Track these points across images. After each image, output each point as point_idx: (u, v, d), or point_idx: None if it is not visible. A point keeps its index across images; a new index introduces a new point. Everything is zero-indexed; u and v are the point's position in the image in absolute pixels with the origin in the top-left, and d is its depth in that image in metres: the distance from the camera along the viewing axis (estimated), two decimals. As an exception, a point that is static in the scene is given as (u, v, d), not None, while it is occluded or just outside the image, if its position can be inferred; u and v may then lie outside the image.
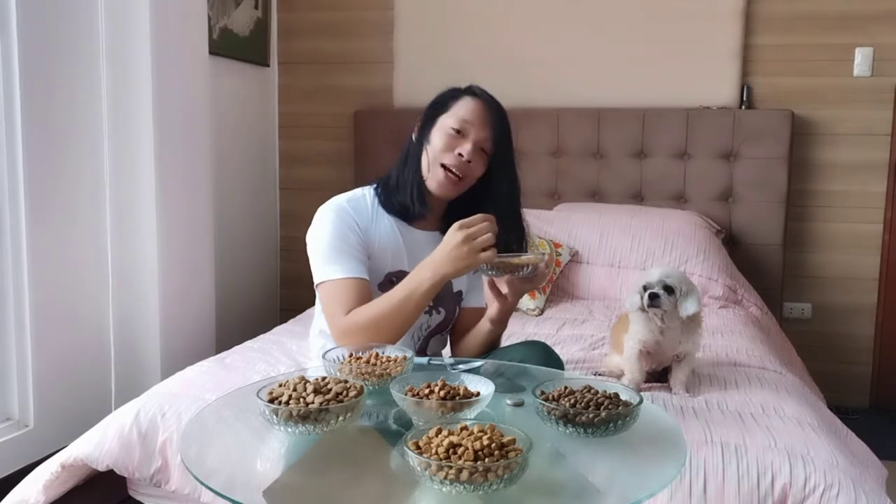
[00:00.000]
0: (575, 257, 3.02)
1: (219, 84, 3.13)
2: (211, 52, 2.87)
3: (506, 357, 1.67)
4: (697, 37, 3.27)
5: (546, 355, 1.68)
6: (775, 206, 3.22)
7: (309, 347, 1.95)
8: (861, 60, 3.18)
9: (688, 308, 1.79)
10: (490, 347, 1.76)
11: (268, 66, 3.64)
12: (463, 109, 1.66)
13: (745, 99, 3.27)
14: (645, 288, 1.80)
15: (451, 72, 3.41)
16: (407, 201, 1.69)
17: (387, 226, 1.70)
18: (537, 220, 3.16)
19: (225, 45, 3.25)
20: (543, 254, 1.54)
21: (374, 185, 1.76)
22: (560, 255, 2.97)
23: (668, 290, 1.78)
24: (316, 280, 1.65)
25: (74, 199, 2.42)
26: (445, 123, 1.66)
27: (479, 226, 1.47)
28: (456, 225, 1.48)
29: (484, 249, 1.47)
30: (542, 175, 3.42)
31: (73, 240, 2.42)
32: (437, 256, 1.51)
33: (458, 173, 1.64)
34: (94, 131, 2.48)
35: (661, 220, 3.07)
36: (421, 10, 3.50)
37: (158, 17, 2.47)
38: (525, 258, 1.53)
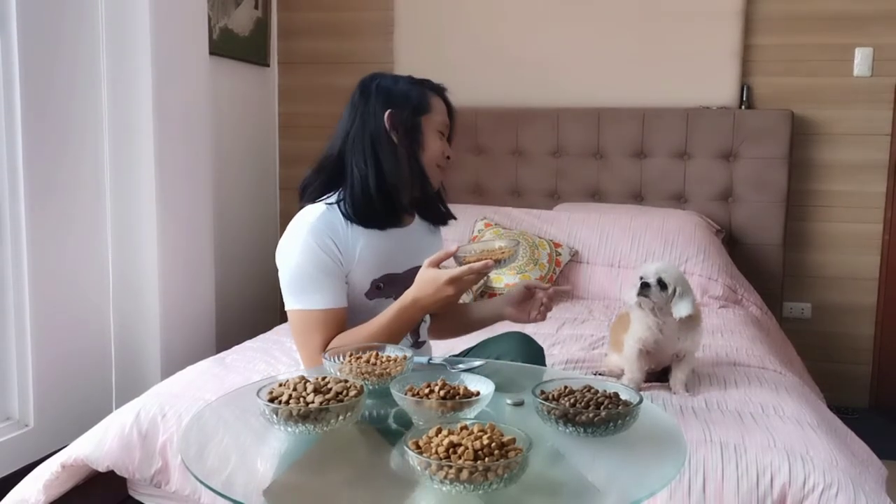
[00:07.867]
0: (575, 257, 3.02)
1: (219, 84, 3.13)
2: (211, 52, 2.87)
3: (485, 352, 1.73)
4: (697, 37, 3.27)
5: (526, 345, 1.74)
6: (775, 206, 3.22)
7: None
8: (861, 60, 3.18)
9: (681, 310, 1.79)
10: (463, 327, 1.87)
11: (268, 66, 3.64)
12: (441, 112, 1.70)
13: (744, 99, 3.27)
14: (641, 278, 1.81)
15: (451, 72, 3.41)
16: (402, 205, 1.69)
17: (364, 234, 1.64)
18: (537, 220, 3.16)
19: (225, 45, 3.25)
20: (516, 242, 1.59)
21: (336, 200, 1.66)
22: (560, 254, 2.97)
23: (662, 284, 1.79)
24: (289, 305, 1.60)
25: (74, 199, 2.42)
26: (432, 128, 1.68)
27: (468, 278, 1.47)
28: (446, 279, 1.47)
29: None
30: (542, 175, 3.42)
31: (74, 240, 2.42)
32: (425, 301, 1.51)
33: (444, 168, 1.73)
34: (95, 132, 2.48)
35: (661, 220, 3.07)
36: (421, 10, 3.50)
37: (158, 17, 2.47)
38: (497, 248, 1.52)
